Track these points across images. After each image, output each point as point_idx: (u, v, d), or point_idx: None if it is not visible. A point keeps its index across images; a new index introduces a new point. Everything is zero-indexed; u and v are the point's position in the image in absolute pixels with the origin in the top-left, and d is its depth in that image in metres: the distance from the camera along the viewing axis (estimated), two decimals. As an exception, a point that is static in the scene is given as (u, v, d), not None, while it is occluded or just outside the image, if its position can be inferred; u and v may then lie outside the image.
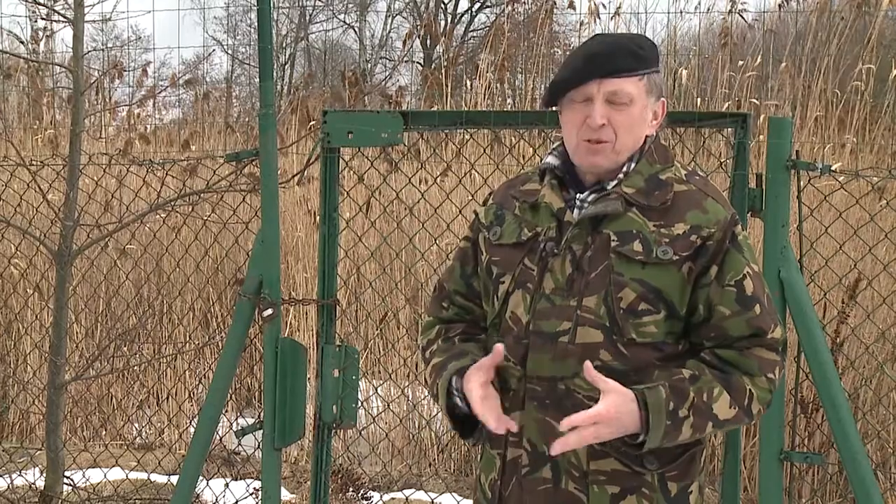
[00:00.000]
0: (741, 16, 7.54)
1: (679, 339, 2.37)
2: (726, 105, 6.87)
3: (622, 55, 2.34)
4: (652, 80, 2.39)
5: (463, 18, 31.13)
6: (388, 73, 27.47)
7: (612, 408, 2.23)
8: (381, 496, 5.65)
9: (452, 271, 2.67)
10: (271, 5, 3.54)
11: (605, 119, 2.33)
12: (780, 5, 7.48)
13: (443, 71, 7.91)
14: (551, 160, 2.49)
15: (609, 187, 2.39)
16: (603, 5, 7.71)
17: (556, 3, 8.30)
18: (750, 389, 2.31)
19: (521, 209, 2.50)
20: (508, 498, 2.47)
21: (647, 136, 2.44)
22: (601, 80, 2.33)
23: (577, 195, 2.43)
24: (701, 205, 2.37)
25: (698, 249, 2.31)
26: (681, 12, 8.19)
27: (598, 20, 7.48)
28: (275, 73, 3.58)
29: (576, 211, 2.40)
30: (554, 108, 2.47)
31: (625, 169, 2.40)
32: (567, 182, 2.46)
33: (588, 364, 2.26)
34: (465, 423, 2.52)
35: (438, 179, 5.16)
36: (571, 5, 8.02)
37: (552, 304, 2.36)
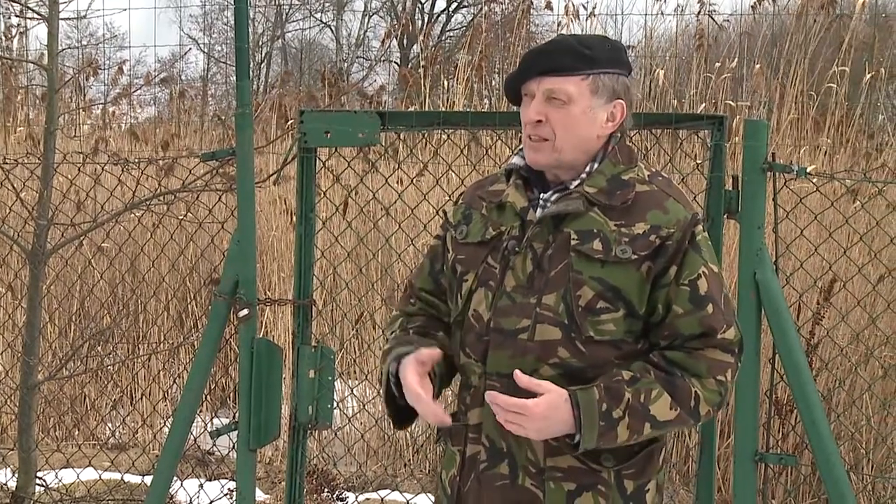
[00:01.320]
0: (712, 17, 7.56)
1: (639, 339, 2.40)
2: (702, 107, 6.90)
3: (561, 54, 2.38)
4: (600, 81, 2.40)
5: (440, 18, 31.13)
6: (364, 73, 27.44)
7: (542, 405, 2.27)
8: (356, 497, 5.64)
9: (422, 269, 2.72)
10: (248, 4, 3.52)
11: (541, 116, 2.38)
12: (752, 6, 7.51)
13: (420, 71, 7.90)
14: (517, 160, 2.53)
15: (571, 187, 2.42)
16: (584, 6, 7.71)
17: (532, 3, 8.31)
18: (696, 392, 2.33)
19: (488, 209, 2.54)
20: (467, 494, 2.50)
21: (611, 136, 2.47)
22: (540, 78, 2.39)
23: (541, 195, 2.47)
24: (662, 205, 2.39)
25: (657, 249, 2.34)
26: (661, 13, 8.19)
27: (575, 20, 7.49)
28: (251, 72, 3.56)
29: (538, 210, 2.44)
30: None
31: (587, 169, 2.44)
32: (532, 182, 2.50)
33: (517, 372, 2.31)
34: (400, 410, 2.55)
35: (415, 180, 5.14)
36: (549, 6, 8.03)
37: (513, 301, 2.39)
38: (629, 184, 2.42)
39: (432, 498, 5.24)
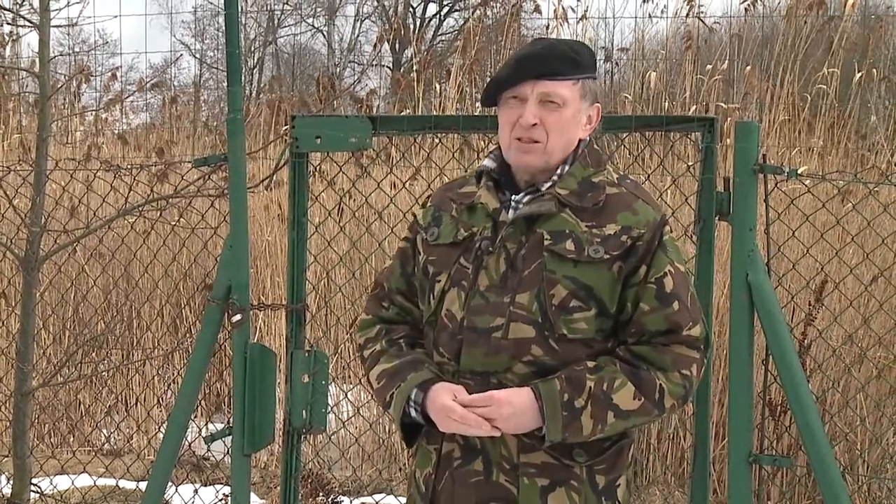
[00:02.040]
0: (700, 19, 7.57)
1: (609, 337, 2.46)
2: (693, 109, 6.90)
3: (556, 59, 2.44)
4: (586, 86, 2.49)
5: (431, 22, 31.12)
6: (356, 78, 27.42)
7: (506, 394, 2.35)
8: (351, 501, 5.63)
9: (393, 270, 2.74)
10: (239, 9, 3.52)
11: (537, 119, 2.43)
12: (745, 9, 7.52)
13: (413, 75, 7.90)
14: (488, 163, 2.59)
15: (543, 189, 2.48)
16: (572, 9, 7.70)
17: (521, 7, 8.32)
18: (661, 384, 2.39)
19: (459, 211, 2.59)
20: (441, 492, 2.54)
21: (580, 140, 2.54)
22: (535, 82, 2.44)
23: (513, 196, 2.52)
24: (631, 206, 2.47)
25: (628, 249, 2.41)
26: (650, 16, 8.18)
27: (565, 24, 7.48)
28: (243, 78, 3.55)
29: (511, 211, 2.49)
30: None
31: (559, 171, 2.50)
32: (503, 184, 2.55)
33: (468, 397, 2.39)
34: (408, 429, 2.59)
35: (407, 184, 5.14)
36: (538, 9, 8.04)
37: (486, 300, 2.44)
38: (599, 186, 2.49)
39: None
